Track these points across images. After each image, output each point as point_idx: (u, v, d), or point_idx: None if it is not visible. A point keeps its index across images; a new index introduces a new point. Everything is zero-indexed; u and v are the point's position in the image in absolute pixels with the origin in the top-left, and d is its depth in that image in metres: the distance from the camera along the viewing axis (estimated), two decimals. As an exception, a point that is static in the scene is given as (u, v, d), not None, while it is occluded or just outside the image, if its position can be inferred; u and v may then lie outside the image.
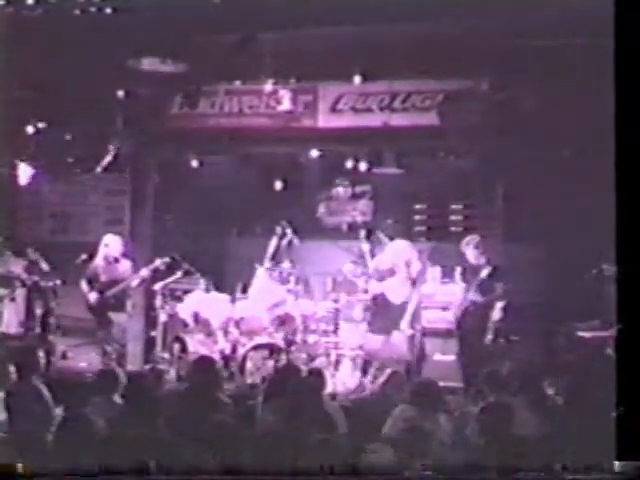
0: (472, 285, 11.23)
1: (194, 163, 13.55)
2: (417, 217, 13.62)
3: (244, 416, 7.87)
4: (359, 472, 6.44)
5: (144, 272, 12.07)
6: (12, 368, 8.52)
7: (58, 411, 7.92)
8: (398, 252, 11.44)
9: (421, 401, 7.84)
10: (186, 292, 12.96)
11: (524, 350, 11.23)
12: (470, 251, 11.34)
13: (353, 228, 13.53)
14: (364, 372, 11.61)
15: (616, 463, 6.88)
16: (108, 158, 13.17)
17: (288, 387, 8.11)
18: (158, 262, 12.12)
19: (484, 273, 11.06)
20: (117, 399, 7.95)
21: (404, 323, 11.15)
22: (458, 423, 7.72)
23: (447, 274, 12.28)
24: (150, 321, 13.11)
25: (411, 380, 9.07)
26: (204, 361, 9.59)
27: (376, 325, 11.49)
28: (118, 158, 13.34)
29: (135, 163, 13.66)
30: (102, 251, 12.10)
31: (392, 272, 11.32)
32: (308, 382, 8.39)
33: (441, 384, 8.84)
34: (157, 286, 12.61)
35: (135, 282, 12.10)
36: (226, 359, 11.94)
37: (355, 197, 13.93)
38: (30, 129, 12.80)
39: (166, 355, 12.43)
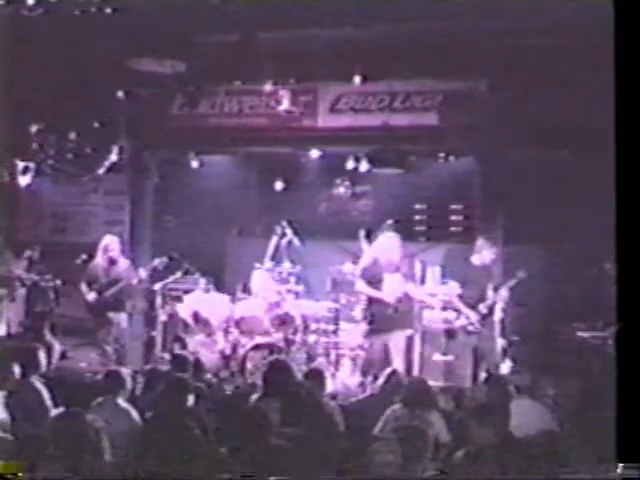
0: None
1: (194, 163, 13.54)
2: (417, 217, 13.61)
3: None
4: (359, 472, 6.44)
5: (142, 272, 12.07)
6: (12, 368, 8.52)
7: (58, 411, 7.91)
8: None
9: (418, 401, 7.85)
10: (186, 292, 12.96)
11: (524, 350, 11.23)
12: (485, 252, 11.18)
13: (353, 228, 13.52)
14: (364, 372, 11.60)
15: (617, 464, 6.87)
16: (112, 159, 13.15)
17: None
18: (156, 262, 12.11)
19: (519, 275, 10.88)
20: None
21: None
22: (457, 423, 7.72)
23: (447, 274, 12.27)
24: (150, 321, 13.13)
25: (408, 380, 9.04)
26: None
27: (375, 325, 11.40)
28: (119, 158, 13.35)
29: (135, 163, 13.66)
30: (101, 252, 12.08)
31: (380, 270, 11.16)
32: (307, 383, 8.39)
33: (440, 384, 8.83)
34: (157, 286, 12.63)
35: (133, 282, 12.09)
36: (226, 359, 11.95)
37: (355, 197, 13.92)
38: (30, 129, 12.79)
39: (166, 355, 12.44)
